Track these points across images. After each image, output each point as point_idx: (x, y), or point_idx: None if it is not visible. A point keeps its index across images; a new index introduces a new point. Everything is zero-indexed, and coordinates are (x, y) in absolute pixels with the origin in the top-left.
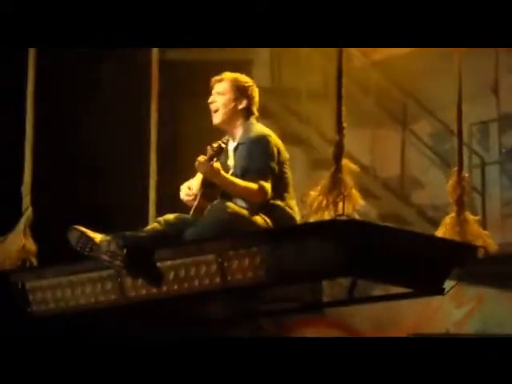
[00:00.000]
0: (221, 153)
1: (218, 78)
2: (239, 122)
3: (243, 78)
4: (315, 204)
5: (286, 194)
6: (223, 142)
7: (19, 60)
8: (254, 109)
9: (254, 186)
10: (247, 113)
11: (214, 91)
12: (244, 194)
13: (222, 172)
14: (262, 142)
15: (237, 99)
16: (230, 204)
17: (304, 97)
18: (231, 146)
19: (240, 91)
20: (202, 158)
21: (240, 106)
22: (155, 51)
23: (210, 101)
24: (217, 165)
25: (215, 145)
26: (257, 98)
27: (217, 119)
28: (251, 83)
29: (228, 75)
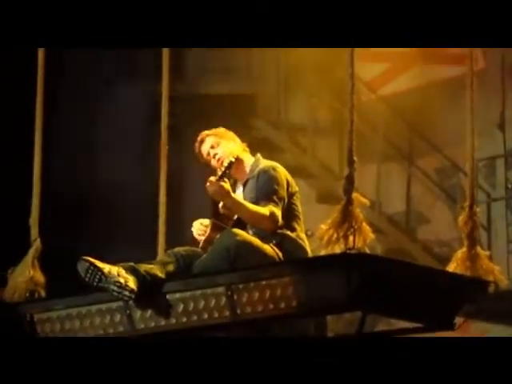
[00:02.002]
0: (231, 168)
1: (199, 139)
2: (244, 161)
3: (226, 131)
4: (326, 237)
5: (296, 226)
6: (233, 157)
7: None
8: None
9: (264, 210)
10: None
11: (204, 148)
12: (254, 219)
13: (232, 193)
14: (271, 171)
15: (229, 140)
16: (239, 231)
17: (311, 131)
18: (240, 183)
19: (226, 135)
20: (212, 178)
21: (235, 145)
22: (165, 85)
23: (211, 153)
24: (227, 185)
25: (225, 162)
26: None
27: (219, 171)
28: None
29: (210, 131)
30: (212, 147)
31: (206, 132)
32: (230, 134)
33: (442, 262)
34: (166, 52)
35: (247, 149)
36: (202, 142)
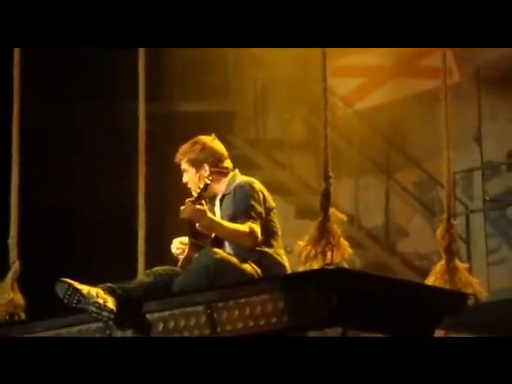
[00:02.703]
0: (206, 190)
1: (177, 158)
2: (217, 180)
3: (196, 145)
4: (304, 254)
5: (274, 242)
6: (208, 179)
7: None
8: (222, 165)
9: (244, 228)
10: (218, 172)
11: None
12: (234, 237)
13: (209, 213)
14: (247, 187)
15: (198, 170)
16: (217, 250)
17: (287, 147)
18: (217, 199)
19: (197, 160)
20: (187, 201)
21: (206, 173)
22: (141, 102)
23: (183, 181)
24: (203, 207)
25: (201, 185)
26: (220, 153)
27: (194, 193)
28: (206, 143)
29: (181, 150)
30: (184, 170)
31: (179, 154)
32: (203, 153)
33: (421, 274)
34: (141, 70)
35: (225, 166)
36: (179, 159)
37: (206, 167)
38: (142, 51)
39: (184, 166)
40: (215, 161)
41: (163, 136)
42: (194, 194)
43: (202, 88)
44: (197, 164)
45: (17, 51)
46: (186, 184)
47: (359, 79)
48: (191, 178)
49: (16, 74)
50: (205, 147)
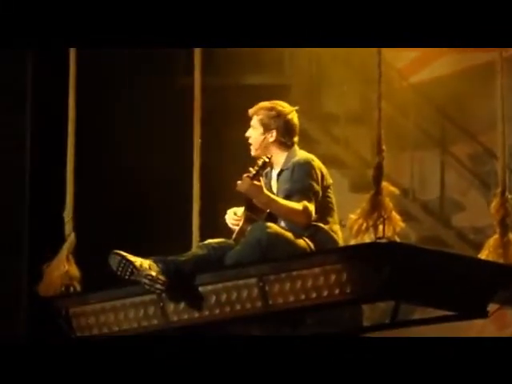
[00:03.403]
0: (265, 168)
1: (251, 110)
2: (278, 151)
3: (273, 110)
4: (355, 227)
5: (329, 219)
6: (267, 157)
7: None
8: (289, 138)
9: (297, 206)
10: (282, 143)
11: (250, 123)
12: (288, 214)
13: (265, 190)
14: (306, 165)
15: (266, 132)
16: (270, 224)
17: (343, 121)
18: (275, 172)
19: (268, 124)
20: (245, 176)
21: (271, 139)
22: (197, 76)
23: (246, 135)
24: (260, 184)
25: (259, 161)
26: (293, 127)
27: (252, 152)
28: (284, 112)
29: (259, 107)
30: (252, 125)
31: (254, 109)
32: (277, 120)
33: (476, 248)
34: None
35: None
36: (253, 113)
37: (274, 133)
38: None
39: (254, 122)
40: (284, 132)
41: (218, 109)
42: (253, 171)
43: (258, 61)
44: (266, 127)
45: (73, 51)
46: (247, 138)
47: (416, 52)
48: (255, 136)
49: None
50: (280, 116)
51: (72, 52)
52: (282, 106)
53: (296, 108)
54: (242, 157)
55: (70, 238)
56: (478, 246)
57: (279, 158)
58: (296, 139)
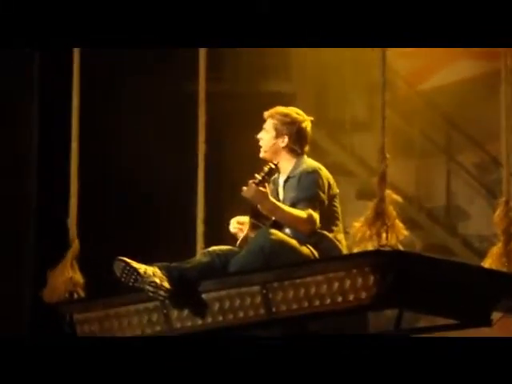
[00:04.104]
0: (271, 175)
1: (267, 113)
2: (287, 158)
3: (288, 116)
4: (359, 235)
5: (334, 227)
6: (274, 164)
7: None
8: (300, 146)
9: (302, 214)
10: (292, 150)
11: (263, 126)
12: (292, 222)
13: (270, 196)
14: (313, 174)
15: (278, 137)
16: (274, 231)
17: (349, 127)
18: (281, 179)
19: (281, 129)
20: (250, 182)
21: (282, 144)
22: (202, 81)
23: (257, 136)
24: (266, 190)
25: (266, 167)
26: (305, 135)
27: (261, 154)
28: (298, 120)
29: (275, 111)
30: (264, 128)
31: (269, 113)
32: (290, 127)
33: (482, 257)
34: (202, 51)
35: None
36: (268, 116)
37: (286, 139)
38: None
39: (267, 125)
40: (296, 139)
41: (224, 116)
42: (259, 177)
43: (265, 68)
44: (279, 131)
45: (77, 51)
46: (258, 139)
47: (422, 60)
48: (267, 139)
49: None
50: (294, 123)
51: (76, 52)
52: (298, 113)
53: (311, 118)
54: (249, 163)
55: (74, 244)
56: (484, 254)
57: (287, 164)
58: (306, 148)
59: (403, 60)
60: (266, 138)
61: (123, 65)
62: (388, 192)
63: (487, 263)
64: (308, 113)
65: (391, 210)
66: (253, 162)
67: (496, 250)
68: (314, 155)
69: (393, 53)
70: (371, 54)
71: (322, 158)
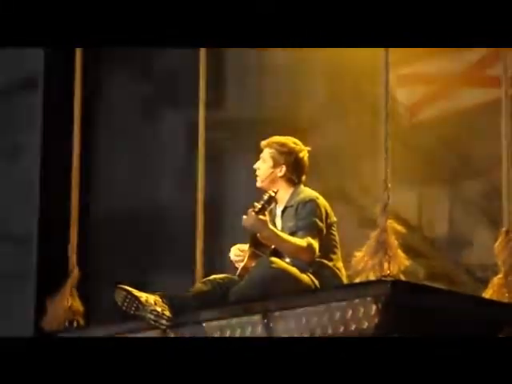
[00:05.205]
0: (271, 203)
1: (264, 142)
2: (284, 187)
3: (285, 146)
4: (361, 265)
5: (333, 256)
6: (273, 191)
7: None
8: (298, 176)
9: (302, 242)
10: (289, 179)
11: (260, 156)
12: (292, 250)
13: (270, 225)
14: (311, 203)
15: (275, 167)
16: (275, 259)
17: (351, 155)
18: (279, 209)
19: (279, 159)
20: (250, 210)
21: (279, 174)
22: (202, 108)
23: (254, 166)
24: (265, 218)
25: (265, 195)
26: (302, 165)
27: (258, 183)
28: (295, 150)
29: (272, 141)
30: (262, 157)
31: (266, 142)
32: (288, 157)
33: (485, 286)
34: (202, 81)
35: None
36: (265, 146)
37: (284, 169)
38: (203, 55)
39: (264, 154)
40: (293, 169)
41: (223, 142)
42: (258, 206)
43: (264, 92)
44: (276, 161)
45: (79, 51)
46: (255, 169)
47: (424, 88)
48: (264, 168)
49: (78, 74)
50: (292, 153)
51: (78, 52)
52: (295, 143)
53: (308, 148)
54: (248, 192)
55: (74, 272)
56: (487, 284)
57: (284, 194)
58: (304, 178)
59: (404, 88)
60: (263, 167)
61: (125, 94)
62: (390, 222)
63: (488, 294)
64: (310, 139)
65: (393, 240)
66: (254, 190)
67: (497, 280)
68: (314, 181)
69: (392, 80)
70: (375, 77)
71: (323, 184)
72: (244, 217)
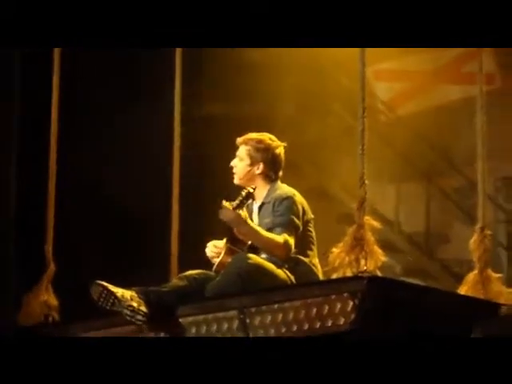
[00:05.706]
0: (249, 199)
1: (240, 140)
2: (261, 184)
3: (262, 142)
4: (337, 261)
5: (309, 252)
6: (252, 188)
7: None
8: (275, 172)
9: (279, 239)
10: (267, 176)
11: (236, 153)
12: (268, 246)
13: (249, 220)
14: (287, 200)
15: (253, 164)
16: (252, 255)
17: (329, 151)
18: (256, 205)
19: (256, 156)
20: (227, 204)
21: (257, 171)
22: (177, 104)
23: (231, 164)
24: (244, 213)
25: (243, 191)
26: (279, 161)
27: (236, 181)
28: (272, 146)
29: (248, 138)
30: (238, 155)
31: (242, 140)
32: (265, 154)
33: (461, 281)
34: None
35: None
36: (241, 143)
37: (261, 166)
38: (179, 53)
39: (241, 152)
40: (270, 165)
41: (201, 138)
42: (236, 201)
43: (241, 90)
44: (254, 159)
45: (57, 51)
46: (231, 167)
47: (402, 84)
48: (241, 166)
49: (56, 75)
50: (268, 150)
51: (56, 52)
52: (271, 139)
53: (284, 144)
54: (227, 186)
55: (50, 267)
56: (463, 279)
57: (262, 190)
58: (280, 173)
59: (382, 83)
60: (240, 165)
61: (108, 89)
62: (367, 218)
63: (463, 290)
64: (286, 135)
65: (370, 236)
66: (231, 185)
67: (472, 276)
68: (292, 177)
69: (371, 75)
70: (351, 74)
71: (301, 181)
72: (221, 210)
